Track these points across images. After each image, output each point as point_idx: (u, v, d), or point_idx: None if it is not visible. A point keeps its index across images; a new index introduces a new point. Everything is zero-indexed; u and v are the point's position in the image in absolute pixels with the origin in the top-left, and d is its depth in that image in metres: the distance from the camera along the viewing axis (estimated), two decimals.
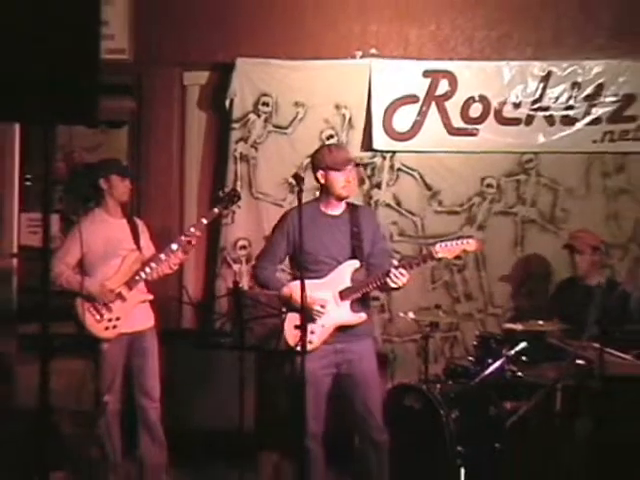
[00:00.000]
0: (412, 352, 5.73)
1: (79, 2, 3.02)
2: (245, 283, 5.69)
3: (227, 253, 5.89)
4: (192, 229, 4.60)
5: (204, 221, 4.64)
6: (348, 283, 4.12)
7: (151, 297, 4.73)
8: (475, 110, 5.74)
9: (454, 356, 5.62)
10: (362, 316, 4.12)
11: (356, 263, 4.14)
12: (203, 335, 5.75)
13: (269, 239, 4.49)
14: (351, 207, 4.27)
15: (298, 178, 3.87)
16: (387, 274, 3.97)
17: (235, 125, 5.87)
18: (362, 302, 4.21)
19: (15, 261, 6.00)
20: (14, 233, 6.05)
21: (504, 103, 5.73)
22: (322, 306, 4.00)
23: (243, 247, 5.93)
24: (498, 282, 5.83)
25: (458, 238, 4.15)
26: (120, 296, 4.61)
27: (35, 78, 3.03)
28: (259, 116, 5.88)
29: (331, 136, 5.84)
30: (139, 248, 4.77)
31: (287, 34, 5.83)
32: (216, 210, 4.68)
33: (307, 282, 3.85)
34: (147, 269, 4.65)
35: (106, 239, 4.66)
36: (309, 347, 3.88)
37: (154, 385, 4.72)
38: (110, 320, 4.58)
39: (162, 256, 4.61)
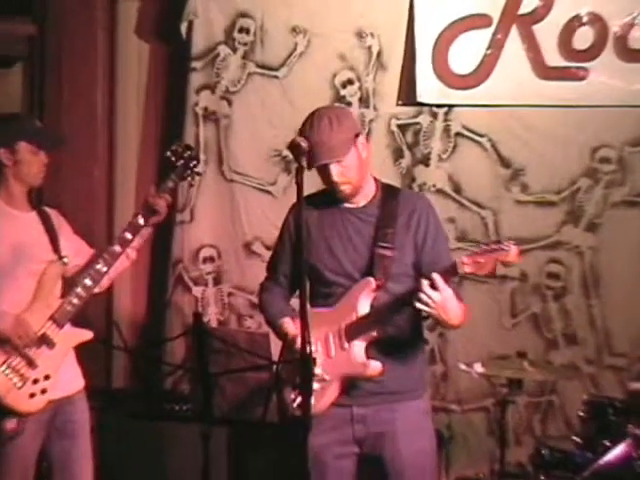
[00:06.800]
0: (480, 427, 4.47)
1: None
2: (213, 316, 4.52)
3: (184, 269, 4.57)
4: (127, 231, 3.42)
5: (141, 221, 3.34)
6: (366, 311, 3.12)
7: (90, 335, 3.54)
8: (583, 38, 4.31)
9: (548, 434, 4.40)
10: (376, 365, 3.14)
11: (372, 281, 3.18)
12: (147, 399, 4.45)
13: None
14: (385, 192, 3.16)
15: (297, 149, 2.65)
16: (412, 293, 2.91)
17: (196, 64, 4.52)
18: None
19: None
20: None
21: (631, 25, 4.29)
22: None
23: (209, 259, 4.63)
24: (620, 315, 4.44)
25: (490, 244, 2.94)
26: (45, 339, 3.41)
27: None
28: (235, 50, 4.54)
29: (350, 82, 4.44)
30: (59, 255, 3.54)
31: None
32: (170, 184, 3.41)
33: (313, 311, 2.91)
34: (79, 289, 3.39)
35: (11, 246, 3.49)
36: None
37: (86, 477, 3.59)
38: (36, 382, 3.39)
39: (100, 265, 3.45)
